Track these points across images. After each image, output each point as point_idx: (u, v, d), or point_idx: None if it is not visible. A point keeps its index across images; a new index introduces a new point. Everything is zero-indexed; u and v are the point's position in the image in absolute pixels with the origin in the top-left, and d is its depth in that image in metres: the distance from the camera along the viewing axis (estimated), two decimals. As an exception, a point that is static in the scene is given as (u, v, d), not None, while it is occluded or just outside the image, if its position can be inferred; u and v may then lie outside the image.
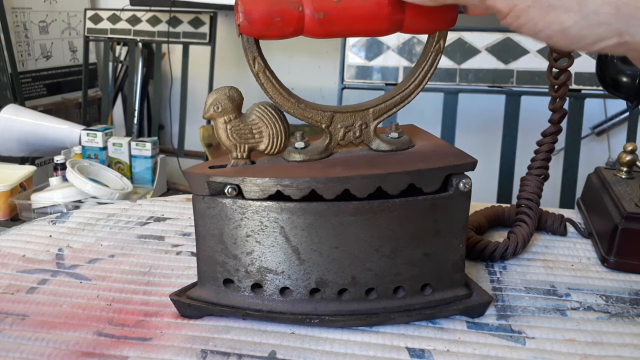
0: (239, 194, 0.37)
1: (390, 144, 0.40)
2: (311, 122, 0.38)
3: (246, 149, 0.38)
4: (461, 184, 0.37)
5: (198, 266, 0.39)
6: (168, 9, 1.83)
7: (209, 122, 1.84)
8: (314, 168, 0.37)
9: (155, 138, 1.56)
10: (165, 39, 1.86)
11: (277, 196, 0.36)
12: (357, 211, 0.36)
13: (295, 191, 0.36)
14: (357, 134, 0.39)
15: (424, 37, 1.41)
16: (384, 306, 0.39)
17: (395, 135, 0.40)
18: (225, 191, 0.36)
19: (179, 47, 1.91)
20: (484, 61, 1.21)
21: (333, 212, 0.36)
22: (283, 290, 0.38)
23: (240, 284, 0.38)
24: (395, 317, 0.39)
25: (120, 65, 2.16)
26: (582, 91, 1.18)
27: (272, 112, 0.38)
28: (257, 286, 0.38)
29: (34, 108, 1.76)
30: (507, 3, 0.26)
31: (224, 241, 0.38)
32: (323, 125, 0.38)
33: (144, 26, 1.89)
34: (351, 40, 1.26)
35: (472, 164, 0.38)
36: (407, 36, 1.23)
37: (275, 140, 0.38)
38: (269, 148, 0.38)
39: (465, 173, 0.38)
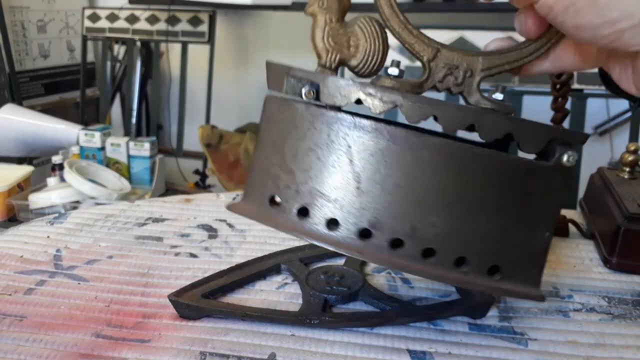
0: (316, 99, 0.33)
1: (491, 103, 0.35)
2: (413, 50, 0.34)
3: (337, 59, 0.34)
4: (565, 157, 0.32)
5: (249, 177, 0.36)
6: (167, 7, 1.83)
7: (207, 121, 1.85)
8: (401, 89, 0.33)
9: (154, 138, 1.56)
10: (164, 38, 1.86)
11: (354, 114, 0.32)
12: (439, 148, 0.31)
13: (378, 102, 0.31)
14: (459, 80, 0.34)
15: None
16: (441, 275, 0.32)
17: (499, 96, 0.35)
18: (303, 92, 0.32)
19: (178, 46, 1.90)
20: (485, 61, 1.21)
21: (411, 141, 0.31)
22: (330, 223, 0.33)
23: (286, 204, 0.34)
24: (396, 318, 0.38)
25: (118, 64, 2.16)
26: (585, 91, 1.18)
27: (376, 27, 0.34)
28: (303, 211, 0.33)
29: (32, 108, 1.75)
30: None
31: (283, 152, 0.34)
32: (424, 58, 0.34)
33: (142, 25, 1.88)
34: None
35: (583, 136, 0.32)
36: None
37: (370, 58, 0.34)
38: (361, 65, 0.34)
39: (573, 146, 0.33)
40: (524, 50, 0.34)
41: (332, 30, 0.34)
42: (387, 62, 0.35)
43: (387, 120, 0.32)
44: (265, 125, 0.35)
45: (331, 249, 0.33)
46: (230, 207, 0.36)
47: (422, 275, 0.33)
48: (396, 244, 0.32)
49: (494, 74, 0.35)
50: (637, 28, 0.25)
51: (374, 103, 0.31)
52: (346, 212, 0.32)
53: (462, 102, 0.36)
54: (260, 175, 0.35)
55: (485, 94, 0.35)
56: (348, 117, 0.32)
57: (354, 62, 0.35)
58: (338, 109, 0.33)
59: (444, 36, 1.24)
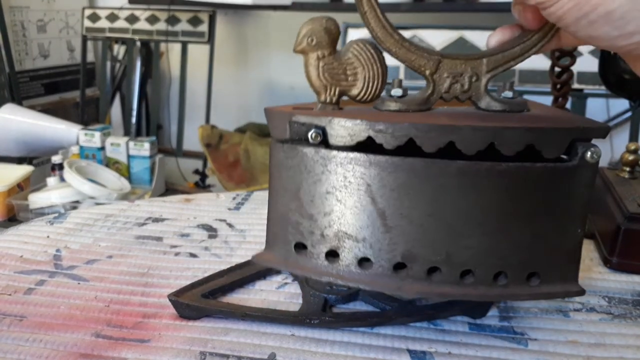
0: (323, 142, 0.32)
1: (503, 104, 0.34)
2: (414, 66, 0.33)
3: (337, 92, 0.33)
4: (588, 154, 0.31)
5: (268, 226, 0.35)
6: (167, 7, 1.83)
7: (207, 121, 1.84)
8: (412, 117, 0.32)
9: (154, 138, 1.56)
10: (164, 38, 1.86)
11: (367, 148, 0.31)
12: (462, 173, 0.30)
13: (390, 138, 0.30)
14: (466, 86, 0.33)
15: (424, 37, 1.40)
16: (482, 293, 0.33)
17: (509, 94, 0.34)
18: (309, 136, 0.31)
19: (178, 46, 1.90)
20: (485, 60, 1.21)
21: (432, 171, 0.30)
22: (362, 262, 0.33)
23: (313, 249, 0.33)
24: (395, 318, 0.38)
25: (118, 64, 2.16)
26: (585, 91, 1.18)
27: (371, 51, 0.33)
28: (332, 254, 0.33)
29: (32, 107, 1.75)
30: None
31: (300, 198, 0.33)
32: (427, 72, 0.33)
33: (142, 25, 1.88)
34: (351, 39, 1.26)
35: (603, 130, 0.32)
36: (408, 35, 1.22)
37: (370, 84, 0.33)
38: (362, 93, 0.33)
39: (594, 142, 0.32)
40: (527, 42, 0.33)
41: (326, 65, 0.33)
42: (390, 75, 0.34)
43: (403, 147, 0.31)
44: (276, 173, 0.34)
45: (368, 289, 0.33)
46: (255, 258, 0.36)
47: (463, 298, 0.33)
48: (432, 271, 0.32)
49: (501, 72, 0.34)
50: None
51: (387, 139, 0.30)
52: (377, 249, 0.32)
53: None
54: (281, 223, 0.34)
55: (494, 94, 0.35)
56: (362, 156, 0.31)
57: (354, 92, 0.34)
58: (350, 148, 0.32)
59: (444, 36, 1.24)
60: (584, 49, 1.12)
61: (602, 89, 1.15)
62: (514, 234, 0.32)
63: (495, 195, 0.31)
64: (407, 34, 1.23)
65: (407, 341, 0.37)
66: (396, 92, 0.34)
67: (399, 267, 0.32)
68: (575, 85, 1.17)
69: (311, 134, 0.32)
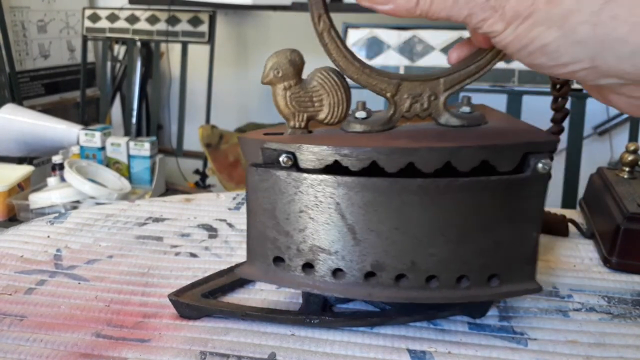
0: (294, 165, 0.34)
1: (461, 119, 0.36)
2: (375, 89, 0.35)
3: (304, 118, 0.36)
4: (540, 165, 0.34)
5: (248, 242, 0.38)
6: (167, 7, 1.83)
7: (207, 121, 1.85)
8: (375, 139, 0.35)
9: (154, 138, 1.56)
10: (164, 38, 1.86)
11: (335, 169, 0.34)
12: (422, 189, 0.33)
13: (355, 162, 0.33)
14: (425, 105, 0.36)
15: (424, 37, 1.40)
16: (446, 296, 0.35)
17: (466, 109, 0.37)
18: (280, 160, 0.34)
19: (178, 46, 1.90)
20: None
21: (395, 189, 0.33)
22: (336, 272, 0.36)
23: (290, 262, 0.36)
24: (395, 317, 0.38)
25: (118, 64, 2.16)
26: (584, 90, 1.18)
27: (335, 78, 0.35)
28: (308, 266, 0.36)
29: (32, 108, 1.76)
30: (504, 22, 0.26)
31: (276, 216, 0.35)
32: (388, 94, 0.35)
33: (142, 25, 1.88)
34: (351, 39, 1.26)
35: (553, 143, 0.34)
36: (408, 35, 1.23)
37: (336, 109, 0.36)
38: (328, 117, 0.36)
39: (545, 153, 0.34)
40: (482, 61, 0.35)
41: (293, 94, 0.36)
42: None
43: (368, 169, 0.33)
44: (252, 194, 0.36)
45: (342, 296, 0.35)
46: (238, 272, 0.39)
47: (428, 301, 0.36)
48: (400, 278, 0.35)
49: (458, 90, 0.36)
50: (588, 70, 0.26)
51: (352, 162, 0.33)
52: (349, 260, 0.35)
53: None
54: (260, 240, 0.37)
55: (453, 110, 0.37)
56: (330, 178, 0.34)
57: (321, 116, 0.36)
58: (319, 171, 0.34)
59: (444, 36, 1.24)
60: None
61: (602, 89, 1.15)
62: (474, 240, 0.35)
63: (455, 207, 0.34)
64: (407, 34, 1.23)
65: (407, 341, 0.37)
66: (360, 114, 0.36)
67: (369, 275, 0.35)
68: (575, 86, 1.17)
69: (282, 158, 0.34)
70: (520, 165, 0.34)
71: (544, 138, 0.35)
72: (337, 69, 0.35)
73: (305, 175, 0.34)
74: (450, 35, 1.24)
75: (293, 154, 0.34)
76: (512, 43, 0.27)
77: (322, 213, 0.34)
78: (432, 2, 0.27)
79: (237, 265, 0.40)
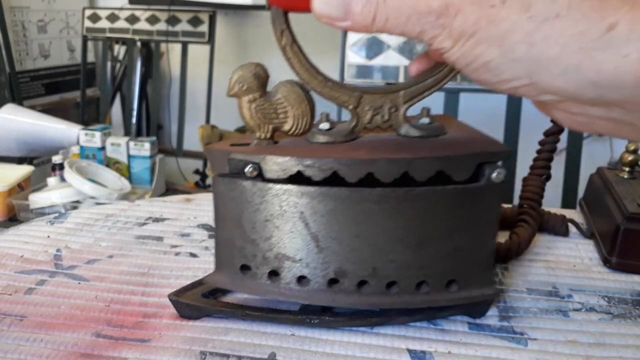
0: (259, 175, 0.35)
1: (420, 130, 0.38)
2: (338, 102, 0.36)
3: (270, 130, 0.37)
4: (494, 174, 0.35)
5: (216, 250, 0.38)
6: (167, 7, 1.83)
7: (207, 121, 1.85)
8: (337, 150, 0.36)
9: (154, 138, 1.56)
10: (164, 38, 1.86)
11: (298, 180, 0.35)
12: (381, 199, 0.34)
13: (317, 172, 0.34)
14: (386, 117, 0.37)
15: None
16: (406, 301, 0.37)
17: (426, 121, 0.38)
18: (246, 171, 0.35)
19: (178, 47, 1.90)
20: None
21: (355, 198, 0.34)
22: (300, 279, 0.37)
23: (257, 270, 0.37)
24: (395, 317, 0.38)
25: (118, 64, 2.16)
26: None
27: (299, 91, 0.36)
28: (274, 273, 0.37)
29: (32, 108, 1.76)
30: (452, 39, 0.28)
31: (242, 225, 0.36)
32: (350, 107, 0.37)
33: (142, 25, 1.88)
34: (351, 39, 1.26)
35: (506, 153, 0.36)
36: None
37: (300, 121, 0.37)
38: (293, 129, 0.37)
39: (499, 163, 0.36)
40: (439, 74, 0.36)
41: (258, 106, 0.37)
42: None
43: (330, 180, 0.34)
44: (220, 203, 0.37)
45: (306, 303, 0.37)
46: (206, 280, 0.40)
47: (390, 306, 0.37)
48: (362, 284, 0.36)
49: (415, 102, 0.37)
50: (528, 86, 0.27)
51: (314, 173, 0.34)
52: (312, 268, 0.36)
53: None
54: (227, 248, 0.38)
55: (413, 121, 0.38)
56: (294, 187, 0.35)
57: (286, 127, 0.37)
58: (283, 181, 0.35)
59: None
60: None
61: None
62: (433, 247, 0.36)
63: (414, 216, 0.35)
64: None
65: (406, 340, 0.37)
66: (324, 125, 0.37)
67: (332, 282, 0.36)
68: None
69: (248, 169, 0.35)
70: (476, 175, 0.35)
71: (497, 148, 0.36)
72: (301, 82, 0.36)
73: (270, 185, 0.35)
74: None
75: (258, 164, 0.35)
76: (459, 59, 0.28)
77: (286, 222, 0.36)
78: (388, 19, 0.28)
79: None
